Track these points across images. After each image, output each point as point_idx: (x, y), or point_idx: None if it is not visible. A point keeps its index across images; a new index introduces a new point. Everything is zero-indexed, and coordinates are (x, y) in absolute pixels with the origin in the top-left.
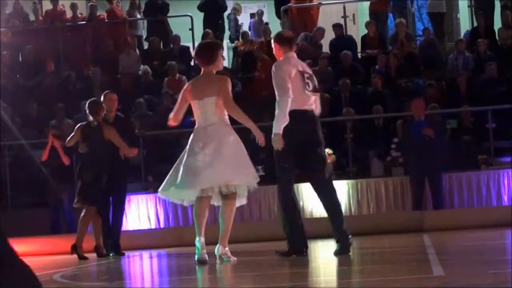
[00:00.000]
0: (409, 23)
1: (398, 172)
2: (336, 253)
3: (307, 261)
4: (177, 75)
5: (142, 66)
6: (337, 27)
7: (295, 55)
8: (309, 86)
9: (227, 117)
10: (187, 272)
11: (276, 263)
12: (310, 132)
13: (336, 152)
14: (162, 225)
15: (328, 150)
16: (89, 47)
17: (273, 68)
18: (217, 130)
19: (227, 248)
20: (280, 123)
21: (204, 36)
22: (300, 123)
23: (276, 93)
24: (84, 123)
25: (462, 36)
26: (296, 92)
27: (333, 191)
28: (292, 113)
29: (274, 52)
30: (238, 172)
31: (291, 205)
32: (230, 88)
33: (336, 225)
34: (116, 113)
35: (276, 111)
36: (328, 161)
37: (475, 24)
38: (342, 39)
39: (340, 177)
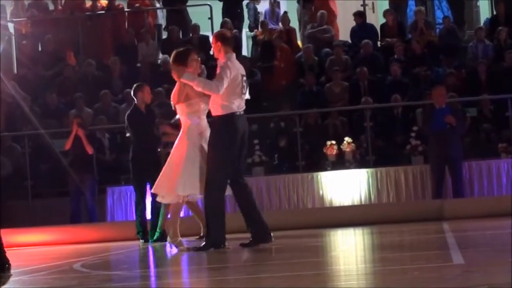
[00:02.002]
0: (428, 11)
1: (418, 161)
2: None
3: (326, 249)
4: None
5: (161, 55)
6: (358, 15)
7: (234, 55)
8: (244, 89)
9: (188, 122)
10: (203, 262)
11: (297, 252)
12: (246, 134)
13: (355, 141)
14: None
15: (347, 139)
16: (109, 36)
17: (223, 64)
18: None
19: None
20: (202, 83)
21: (223, 25)
22: (241, 125)
23: (215, 79)
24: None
25: (482, 24)
26: (237, 95)
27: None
28: (233, 116)
29: (213, 50)
30: None
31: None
32: (178, 89)
33: (252, 220)
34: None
35: (209, 84)
36: (348, 150)
37: (495, 12)
38: (364, 28)
39: (359, 165)
